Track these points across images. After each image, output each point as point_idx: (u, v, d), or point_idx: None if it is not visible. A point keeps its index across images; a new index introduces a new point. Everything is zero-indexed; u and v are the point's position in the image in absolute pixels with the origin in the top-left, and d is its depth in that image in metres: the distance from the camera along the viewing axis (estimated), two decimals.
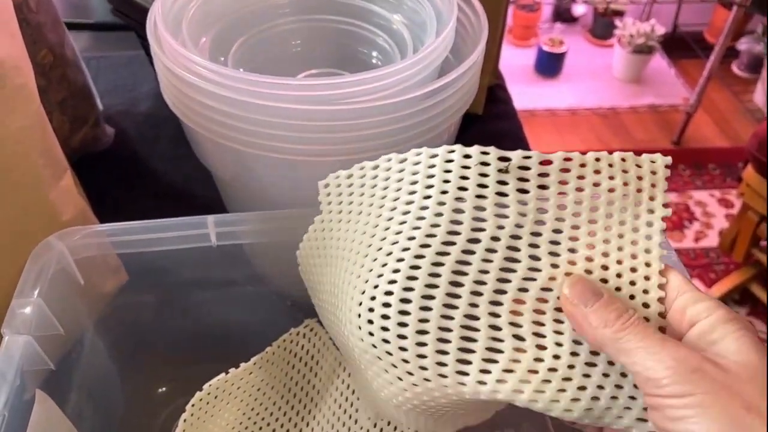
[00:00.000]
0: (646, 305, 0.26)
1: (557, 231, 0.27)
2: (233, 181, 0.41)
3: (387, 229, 0.28)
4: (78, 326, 0.38)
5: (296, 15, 0.43)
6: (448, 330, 0.26)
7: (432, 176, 0.27)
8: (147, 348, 0.42)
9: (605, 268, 0.27)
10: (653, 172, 0.28)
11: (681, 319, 0.25)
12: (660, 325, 0.26)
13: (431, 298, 0.26)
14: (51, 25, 0.49)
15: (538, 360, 0.25)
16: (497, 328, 0.26)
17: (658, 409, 0.23)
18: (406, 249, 0.26)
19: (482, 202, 0.27)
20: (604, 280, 0.27)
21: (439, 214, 0.26)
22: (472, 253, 0.26)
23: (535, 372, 0.25)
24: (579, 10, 2.23)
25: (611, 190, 0.28)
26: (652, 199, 0.28)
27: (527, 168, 0.27)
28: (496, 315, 0.26)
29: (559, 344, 0.26)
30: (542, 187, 0.27)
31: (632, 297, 0.26)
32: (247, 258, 0.42)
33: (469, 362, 0.25)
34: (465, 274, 0.26)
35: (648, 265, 0.27)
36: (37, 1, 0.49)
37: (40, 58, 0.51)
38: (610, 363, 0.25)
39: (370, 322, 0.26)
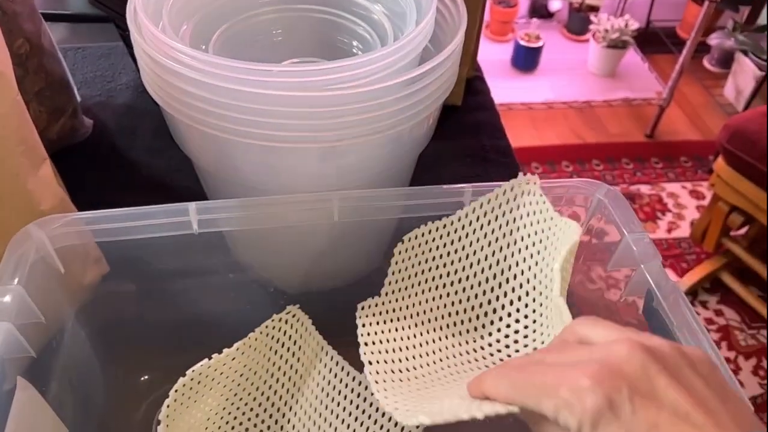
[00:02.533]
0: None
1: None
2: (214, 169, 0.41)
3: None
4: (59, 315, 0.38)
5: (277, 5, 0.43)
6: None
7: None
8: (129, 337, 0.42)
9: None
10: None
11: None
12: None
13: None
14: (27, 15, 0.49)
15: None
16: None
17: None
18: None
19: None
20: None
21: None
22: None
23: None
24: (555, 5, 2.25)
25: None
26: None
27: None
28: None
29: None
30: None
31: None
32: (228, 246, 0.42)
33: None
34: None
35: None
36: None
37: (15, 48, 0.50)
38: None
39: None
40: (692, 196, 1.78)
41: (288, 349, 0.40)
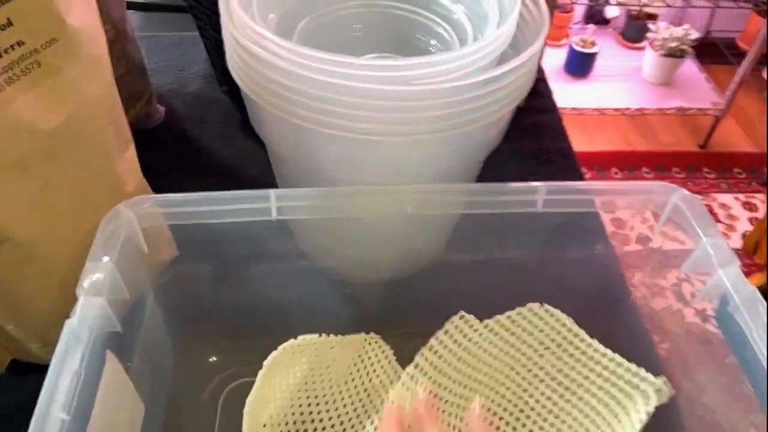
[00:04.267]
0: None
1: None
2: (292, 157, 0.42)
3: None
4: (141, 293, 0.39)
5: (359, 0, 0.44)
6: None
7: None
8: (200, 318, 0.43)
9: None
10: None
11: None
12: None
13: None
14: (116, 2, 0.51)
15: None
16: None
17: None
18: None
19: None
20: None
21: None
22: None
23: None
24: (612, 12, 2.22)
25: None
26: None
27: None
28: None
29: None
30: None
31: None
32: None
33: None
34: None
35: None
36: None
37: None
38: None
39: None
40: (745, 207, 1.73)
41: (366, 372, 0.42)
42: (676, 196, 0.38)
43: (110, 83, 0.40)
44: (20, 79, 0.34)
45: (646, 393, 0.38)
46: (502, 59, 0.40)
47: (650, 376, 0.38)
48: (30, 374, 0.45)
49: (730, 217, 1.70)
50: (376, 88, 0.34)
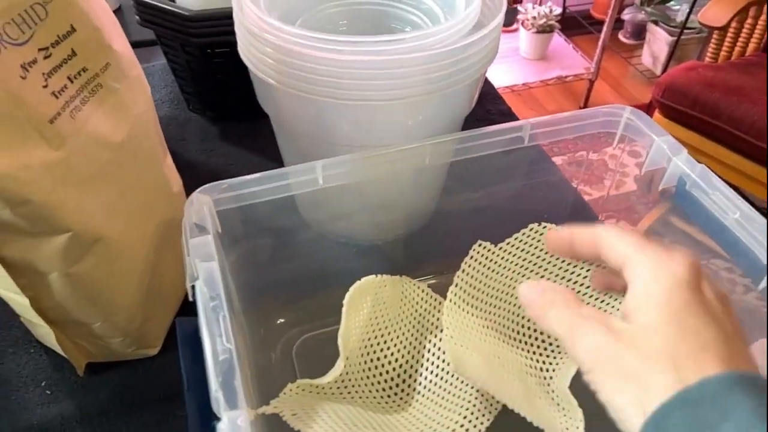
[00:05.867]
0: None
1: None
2: (311, 131, 0.48)
3: None
4: (223, 267, 0.45)
5: (342, 0, 0.52)
6: None
7: None
8: (265, 286, 0.49)
9: None
10: None
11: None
12: None
13: None
14: None
15: None
16: None
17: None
18: None
19: None
20: None
21: None
22: None
23: None
24: None
25: None
26: None
27: None
28: None
29: None
30: None
31: None
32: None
33: None
34: None
35: None
36: None
37: None
38: None
39: None
40: (630, 155, 1.95)
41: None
42: (626, 112, 0.49)
43: (150, 99, 0.46)
44: (90, 99, 0.40)
45: None
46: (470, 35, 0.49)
47: None
48: (107, 373, 0.49)
49: (622, 164, 1.91)
50: (376, 60, 0.42)
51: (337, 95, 0.43)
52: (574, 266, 0.50)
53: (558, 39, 2.36)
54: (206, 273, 0.37)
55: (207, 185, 0.43)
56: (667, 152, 0.45)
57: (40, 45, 0.35)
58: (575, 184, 0.59)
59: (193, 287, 0.37)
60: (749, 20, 1.58)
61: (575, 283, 0.50)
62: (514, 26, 2.33)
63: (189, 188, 0.65)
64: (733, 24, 1.55)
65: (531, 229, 0.50)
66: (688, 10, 1.88)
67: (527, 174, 0.56)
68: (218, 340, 0.33)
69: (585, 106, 2.20)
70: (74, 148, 0.37)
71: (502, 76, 2.21)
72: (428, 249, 0.56)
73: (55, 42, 0.37)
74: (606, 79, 2.33)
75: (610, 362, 0.26)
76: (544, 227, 0.51)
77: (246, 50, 0.46)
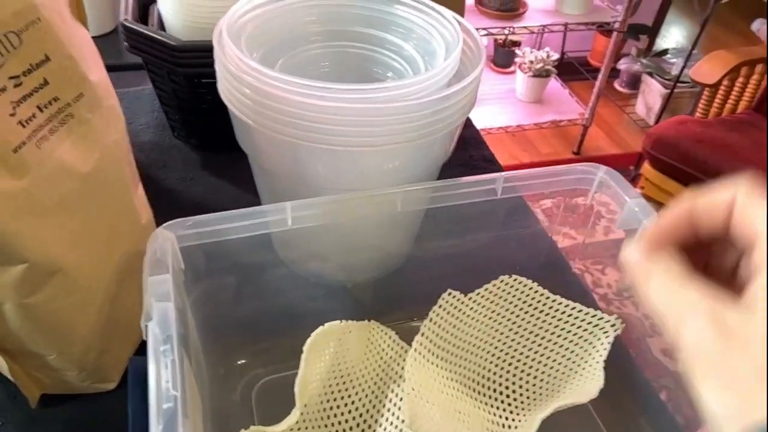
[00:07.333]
0: None
1: None
2: (283, 172, 0.48)
3: None
4: (183, 305, 0.44)
5: (326, 42, 0.52)
6: None
7: None
8: (227, 325, 0.48)
9: None
10: None
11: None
12: None
13: None
14: None
15: None
16: None
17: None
18: None
19: None
20: None
21: None
22: None
23: None
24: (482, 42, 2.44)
25: None
26: None
27: None
28: None
29: None
30: None
31: None
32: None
33: None
34: None
35: None
36: None
37: None
38: None
39: None
40: (603, 206, 1.96)
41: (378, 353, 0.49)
42: (600, 171, 0.49)
43: (124, 129, 0.45)
44: (59, 129, 0.39)
45: (605, 329, 0.48)
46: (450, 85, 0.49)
47: (606, 315, 0.48)
48: (61, 406, 0.48)
49: (610, 212, 1.92)
50: (355, 107, 0.42)
51: (314, 139, 0.43)
52: (543, 321, 0.50)
53: (554, 83, 2.39)
54: (160, 314, 0.37)
55: (172, 221, 0.43)
56: (638, 215, 0.45)
57: (10, 73, 0.35)
58: (550, 235, 0.59)
59: (147, 327, 0.36)
60: (741, 79, 1.60)
61: (543, 338, 0.50)
62: (512, 68, 2.36)
63: (165, 216, 0.64)
64: (725, 82, 1.57)
65: (502, 281, 0.50)
66: (682, 65, 1.91)
67: (503, 223, 0.55)
68: (165, 386, 0.33)
69: (579, 151, 2.22)
70: (38, 178, 0.37)
71: (497, 116, 2.23)
72: (399, 294, 0.56)
73: (27, 71, 0.36)
74: (600, 125, 2.35)
75: (715, 365, 0.23)
76: (515, 279, 0.50)
77: (225, 89, 0.46)
